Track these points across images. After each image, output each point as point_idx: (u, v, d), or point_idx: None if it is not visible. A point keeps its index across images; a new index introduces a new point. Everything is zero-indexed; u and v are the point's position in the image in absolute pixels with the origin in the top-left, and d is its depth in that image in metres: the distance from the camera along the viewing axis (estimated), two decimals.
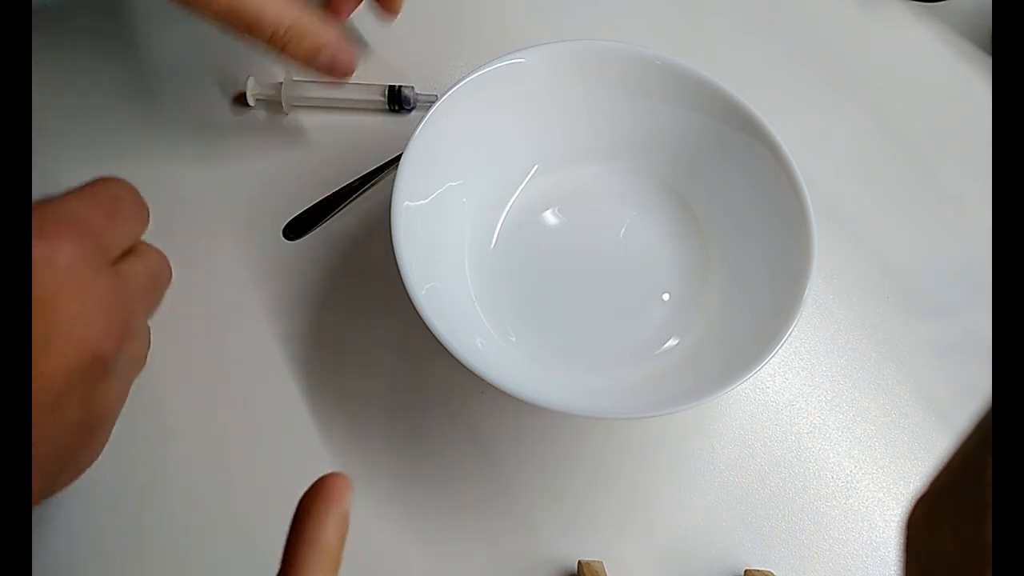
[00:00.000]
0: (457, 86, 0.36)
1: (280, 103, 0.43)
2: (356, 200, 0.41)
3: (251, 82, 0.42)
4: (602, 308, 0.38)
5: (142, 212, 0.31)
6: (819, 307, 0.41)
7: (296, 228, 0.40)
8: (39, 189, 0.40)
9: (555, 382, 0.35)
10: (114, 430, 0.29)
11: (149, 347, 0.32)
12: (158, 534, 0.33)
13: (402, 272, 0.31)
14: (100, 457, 0.30)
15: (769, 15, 0.50)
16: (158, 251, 0.33)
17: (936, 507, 0.17)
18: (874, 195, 0.44)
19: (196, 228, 0.40)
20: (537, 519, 0.35)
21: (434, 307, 0.31)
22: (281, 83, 0.42)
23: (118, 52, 0.45)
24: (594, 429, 0.37)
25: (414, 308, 0.31)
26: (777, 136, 0.36)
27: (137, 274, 0.31)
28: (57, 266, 0.24)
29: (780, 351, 0.31)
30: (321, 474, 0.23)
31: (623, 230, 0.39)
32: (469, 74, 0.36)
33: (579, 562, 0.34)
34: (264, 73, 0.43)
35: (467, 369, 0.30)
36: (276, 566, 0.21)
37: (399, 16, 0.42)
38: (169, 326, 0.38)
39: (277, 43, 0.35)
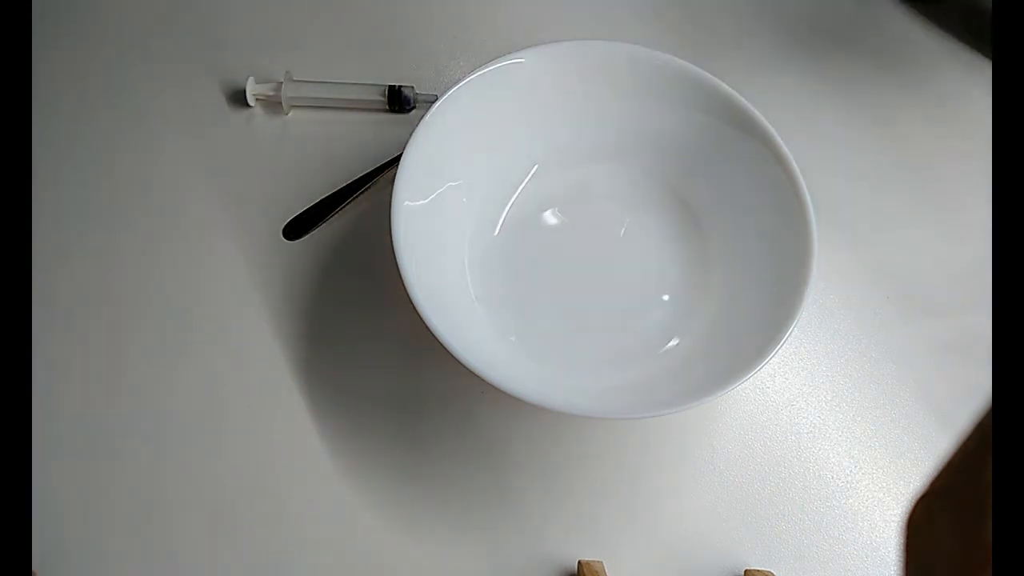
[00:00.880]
0: (457, 86, 0.36)
1: (280, 103, 0.43)
2: (356, 200, 0.41)
3: (251, 82, 0.42)
4: (602, 309, 0.38)
5: None
6: (819, 307, 0.41)
7: (296, 228, 0.40)
8: (39, 189, 0.40)
9: (555, 382, 0.35)
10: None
11: None
12: (158, 533, 0.33)
13: (402, 272, 0.31)
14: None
15: (769, 16, 0.50)
16: None
17: (936, 507, 0.17)
18: (874, 195, 0.44)
19: (196, 228, 0.40)
20: (537, 519, 0.35)
21: (434, 307, 0.31)
22: (281, 83, 0.42)
23: (118, 52, 0.45)
24: (594, 429, 0.37)
25: (414, 308, 0.31)
26: (777, 136, 0.36)
27: None
28: None
29: (780, 351, 0.31)
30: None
31: (623, 230, 0.39)
32: (469, 74, 0.36)
33: (579, 562, 0.34)
34: (264, 73, 0.43)
35: (467, 369, 0.30)
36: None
37: (399, 16, 0.42)
38: (169, 326, 0.38)
39: None
